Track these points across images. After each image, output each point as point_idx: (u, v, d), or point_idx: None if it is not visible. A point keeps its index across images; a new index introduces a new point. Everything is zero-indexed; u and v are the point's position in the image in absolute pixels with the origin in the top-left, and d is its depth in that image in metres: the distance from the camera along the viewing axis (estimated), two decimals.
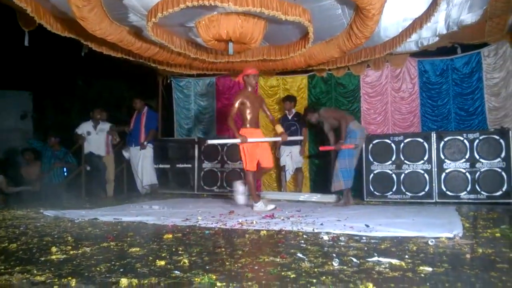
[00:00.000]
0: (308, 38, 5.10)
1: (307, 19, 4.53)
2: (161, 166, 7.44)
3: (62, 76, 10.38)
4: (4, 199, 6.97)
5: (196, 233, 3.42)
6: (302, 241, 3.06)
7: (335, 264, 2.30)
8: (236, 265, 2.30)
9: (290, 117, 7.05)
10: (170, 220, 4.06)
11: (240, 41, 4.77)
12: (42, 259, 2.48)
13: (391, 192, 5.94)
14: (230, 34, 4.55)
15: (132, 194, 7.40)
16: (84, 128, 7.19)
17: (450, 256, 2.55)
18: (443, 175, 5.75)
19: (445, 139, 5.80)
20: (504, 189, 5.50)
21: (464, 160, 5.71)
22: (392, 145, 5.98)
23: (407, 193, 5.87)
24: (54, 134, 7.68)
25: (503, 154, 5.54)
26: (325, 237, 3.19)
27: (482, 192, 5.59)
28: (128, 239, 3.18)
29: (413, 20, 5.29)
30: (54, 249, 2.71)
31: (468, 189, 5.64)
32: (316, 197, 6.26)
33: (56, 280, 2.02)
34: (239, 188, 5.17)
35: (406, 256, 2.51)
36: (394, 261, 2.36)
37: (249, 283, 1.94)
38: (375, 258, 2.44)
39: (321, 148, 5.76)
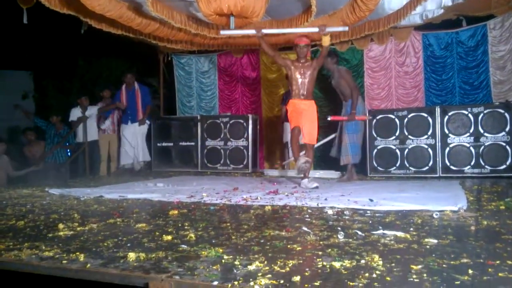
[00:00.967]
0: (311, 11, 5.01)
1: None
2: (164, 144, 7.44)
3: (62, 56, 10.26)
4: (9, 180, 7.00)
5: (202, 209, 3.44)
6: (307, 216, 3.08)
7: (340, 237, 2.32)
8: (242, 239, 2.32)
9: None
10: (175, 197, 4.08)
11: (241, 16, 4.68)
12: (50, 235, 2.51)
13: (394, 167, 5.94)
14: (231, 8, 4.46)
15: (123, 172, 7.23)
16: (75, 114, 7.33)
17: (455, 228, 2.56)
18: (447, 149, 5.73)
19: (450, 114, 5.76)
20: (508, 163, 5.48)
21: (468, 134, 5.68)
22: (396, 120, 5.94)
23: (410, 168, 5.87)
24: (56, 113, 7.67)
25: (507, 128, 5.50)
26: (330, 212, 3.20)
27: (486, 166, 5.58)
28: (134, 215, 3.20)
29: None
30: (61, 225, 2.73)
31: (472, 163, 5.63)
32: (319, 173, 6.27)
33: (64, 255, 2.04)
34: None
35: (411, 229, 2.52)
36: (399, 234, 2.38)
37: (256, 255, 1.95)
38: (380, 231, 2.45)
39: (331, 118, 5.59)
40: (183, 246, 2.17)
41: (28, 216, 3.16)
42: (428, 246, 2.11)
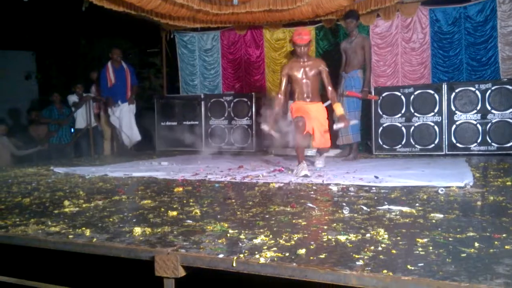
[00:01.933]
0: None
1: None
2: (168, 123, 7.42)
3: (64, 35, 10.18)
4: (14, 159, 7.04)
5: (206, 186, 3.44)
6: (312, 192, 3.08)
7: (346, 212, 2.31)
8: (247, 215, 2.32)
9: None
10: (179, 175, 4.09)
11: None
12: (56, 211, 2.52)
13: (400, 145, 5.90)
14: None
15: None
16: (71, 100, 7.38)
17: (461, 203, 2.55)
18: (454, 127, 5.67)
19: (456, 90, 5.68)
20: None
21: (475, 111, 5.61)
22: (402, 97, 5.87)
23: (416, 146, 5.83)
24: (58, 92, 7.71)
25: None
26: (335, 188, 3.20)
27: (493, 144, 5.53)
28: (139, 192, 3.21)
29: None
30: (66, 202, 2.74)
31: (479, 140, 5.57)
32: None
33: (70, 230, 2.05)
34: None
35: (417, 204, 2.52)
36: (405, 209, 2.37)
37: (261, 230, 1.95)
38: (386, 206, 2.45)
39: (347, 93, 5.30)
40: (188, 221, 2.18)
41: (33, 194, 3.18)
42: (434, 221, 2.11)
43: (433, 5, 6.59)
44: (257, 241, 1.76)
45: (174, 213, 2.37)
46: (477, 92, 5.59)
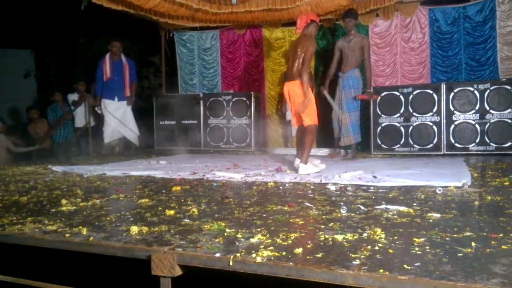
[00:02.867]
0: None
1: None
2: (166, 122, 7.41)
3: (64, 34, 10.17)
4: (13, 157, 7.03)
5: (204, 185, 3.44)
6: (310, 192, 3.07)
7: (343, 211, 2.31)
8: (244, 214, 2.32)
9: None
10: (177, 174, 4.08)
11: None
12: (53, 210, 2.52)
13: (398, 145, 5.90)
14: None
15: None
16: (72, 99, 7.29)
17: (459, 203, 2.55)
18: (452, 127, 5.67)
19: (455, 90, 5.68)
20: None
21: (473, 111, 5.61)
22: (401, 97, 5.87)
23: (415, 145, 5.83)
24: (59, 91, 7.68)
25: None
26: (332, 188, 3.20)
27: (491, 144, 5.53)
28: (137, 191, 3.21)
29: None
30: (64, 201, 2.74)
31: (477, 140, 5.57)
32: (323, 151, 6.24)
33: (67, 229, 2.05)
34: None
35: (414, 204, 2.52)
36: (402, 208, 2.37)
37: (258, 229, 1.95)
38: (383, 206, 2.45)
39: (359, 97, 5.33)
40: (185, 220, 2.17)
41: (31, 192, 3.17)
42: (431, 220, 2.11)
43: (432, 5, 6.60)
44: (254, 240, 1.76)
45: (172, 212, 2.37)
46: (476, 92, 5.59)
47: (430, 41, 6.67)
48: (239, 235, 1.84)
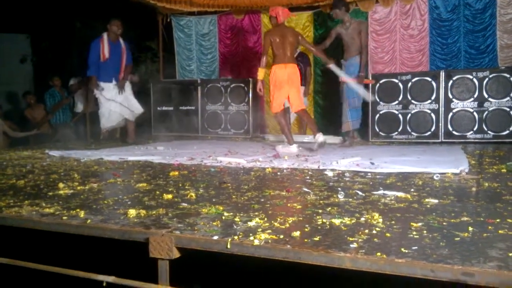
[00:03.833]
0: None
1: None
2: (164, 108, 7.38)
3: (60, 18, 10.04)
4: (10, 142, 7.00)
5: (202, 171, 3.44)
6: (307, 177, 3.08)
7: (341, 196, 2.32)
8: (242, 198, 2.32)
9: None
10: (175, 159, 4.07)
11: None
12: (50, 194, 2.51)
13: (396, 133, 5.89)
14: None
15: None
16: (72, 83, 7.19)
17: (456, 189, 2.56)
18: (450, 114, 5.67)
19: (454, 78, 5.66)
20: (511, 128, 5.43)
21: (472, 99, 5.60)
22: (400, 84, 5.85)
23: (413, 133, 5.83)
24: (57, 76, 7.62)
25: None
26: (330, 174, 3.20)
27: (489, 132, 5.53)
28: (135, 176, 3.20)
29: None
30: (61, 185, 2.73)
31: (475, 128, 5.57)
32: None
33: (64, 211, 2.04)
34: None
35: (412, 190, 2.52)
36: (400, 194, 2.37)
37: (256, 213, 1.95)
38: (381, 191, 2.45)
39: (342, 79, 5.29)
40: (183, 204, 2.17)
41: (28, 176, 3.16)
42: (428, 206, 2.11)
43: None
44: (251, 223, 1.76)
45: (169, 196, 2.37)
46: (475, 80, 5.58)
47: (430, 29, 6.62)
48: (237, 219, 1.84)
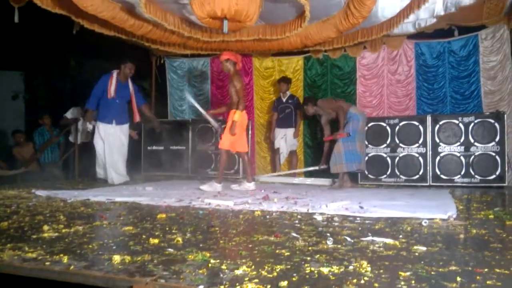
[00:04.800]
0: (304, 16, 5.02)
1: None
2: (154, 148, 7.39)
3: (54, 56, 10.20)
4: None
5: (190, 213, 3.40)
6: (296, 221, 3.06)
7: (329, 243, 2.30)
8: (230, 244, 2.29)
9: (284, 100, 7.00)
10: (163, 200, 4.03)
11: (235, 19, 4.68)
12: (34, 236, 2.45)
13: (385, 175, 5.94)
14: (225, 11, 4.46)
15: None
16: (74, 113, 7.16)
17: (444, 236, 2.56)
18: (438, 158, 5.75)
19: (440, 123, 5.79)
20: (497, 173, 5.51)
21: (458, 143, 5.70)
22: (387, 128, 5.96)
23: (401, 176, 5.88)
24: (47, 114, 7.62)
25: (497, 138, 5.54)
26: (319, 218, 3.18)
27: (476, 176, 5.60)
28: (121, 218, 3.15)
29: (411, 0, 5.21)
30: (46, 227, 2.67)
31: (462, 172, 5.65)
32: (310, 180, 6.26)
33: (48, 256, 1.99)
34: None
35: (400, 236, 2.51)
36: (388, 241, 2.36)
37: (243, 260, 1.92)
38: (369, 238, 2.44)
39: (325, 139, 5.87)
40: (169, 249, 2.13)
41: (12, 217, 3.09)
42: (417, 253, 2.10)
43: (419, 39, 6.80)
44: (238, 272, 1.73)
45: (156, 240, 2.32)
46: (461, 124, 5.71)
47: (416, 74, 6.85)
48: (223, 266, 1.81)
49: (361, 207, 3.58)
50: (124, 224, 2.85)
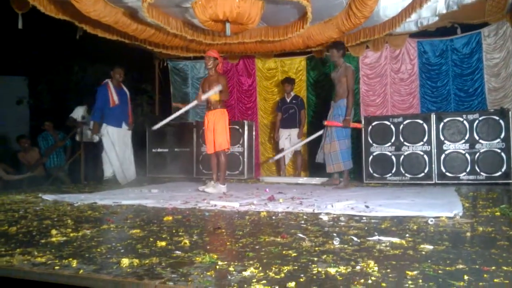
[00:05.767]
0: (306, 18, 5.03)
1: None
2: (159, 150, 7.42)
3: (58, 61, 10.26)
4: (1, 186, 6.94)
5: (196, 215, 3.41)
6: (302, 222, 3.06)
7: (336, 243, 2.30)
8: (237, 245, 2.30)
9: (288, 100, 7.01)
10: (169, 203, 4.05)
11: (237, 22, 4.70)
12: (43, 241, 2.47)
13: (390, 174, 5.94)
14: (227, 14, 4.48)
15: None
16: (79, 112, 7.14)
17: (451, 234, 2.56)
18: (443, 156, 5.74)
19: (445, 120, 5.78)
20: (503, 169, 5.49)
21: (463, 141, 5.69)
22: (392, 126, 5.95)
23: (406, 174, 5.87)
24: (51, 119, 7.65)
25: (502, 135, 5.52)
26: (325, 218, 3.19)
27: (481, 173, 5.59)
28: (128, 221, 3.17)
29: None
30: (54, 231, 2.69)
31: (468, 170, 5.63)
32: (316, 180, 6.26)
33: (57, 261, 2.01)
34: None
35: (407, 235, 2.52)
36: (395, 240, 2.36)
37: (250, 261, 1.93)
38: (376, 237, 2.44)
39: (326, 123, 5.47)
40: (177, 252, 2.15)
41: (20, 222, 3.12)
42: (423, 252, 2.10)
43: (421, 38, 6.79)
44: (246, 273, 1.74)
45: (163, 243, 2.34)
46: (465, 122, 5.70)
47: (419, 72, 6.84)
48: (231, 268, 1.82)
49: (367, 207, 3.58)
50: (131, 227, 2.87)
